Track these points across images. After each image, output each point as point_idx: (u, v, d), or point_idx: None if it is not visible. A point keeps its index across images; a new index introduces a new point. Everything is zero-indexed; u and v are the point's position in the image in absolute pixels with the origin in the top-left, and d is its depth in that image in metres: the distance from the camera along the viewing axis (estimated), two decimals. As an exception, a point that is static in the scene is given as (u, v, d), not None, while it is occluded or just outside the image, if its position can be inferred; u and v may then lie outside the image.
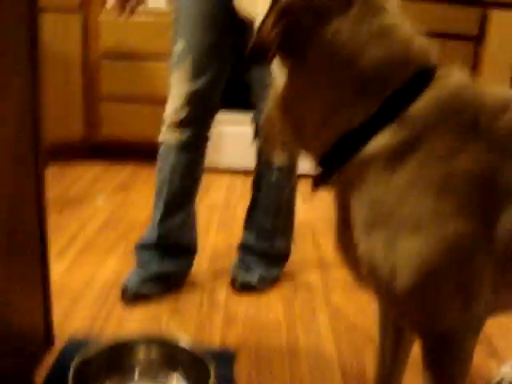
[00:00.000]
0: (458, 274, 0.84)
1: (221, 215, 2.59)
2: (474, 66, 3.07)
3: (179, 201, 1.83)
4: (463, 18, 3.02)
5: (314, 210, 2.62)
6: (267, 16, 0.88)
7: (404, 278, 0.85)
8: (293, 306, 1.82)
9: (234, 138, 3.10)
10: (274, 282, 1.94)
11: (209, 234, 2.34)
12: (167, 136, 1.79)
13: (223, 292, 1.89)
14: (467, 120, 0.86)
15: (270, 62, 0.92)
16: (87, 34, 3.04)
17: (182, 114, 1.75)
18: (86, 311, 1.71)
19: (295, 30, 0.87)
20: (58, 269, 1.89)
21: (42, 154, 1.33)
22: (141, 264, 1.85)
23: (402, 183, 0.85)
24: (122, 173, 3.11)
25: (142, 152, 3.24)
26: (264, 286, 1.91)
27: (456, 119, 0.85)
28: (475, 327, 0.90)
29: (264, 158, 1.85)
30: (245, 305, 1.82)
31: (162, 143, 1.81)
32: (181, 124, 1.76)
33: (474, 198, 0.83)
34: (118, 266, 2.01)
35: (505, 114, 0.87)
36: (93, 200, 2.68)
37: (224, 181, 3.07)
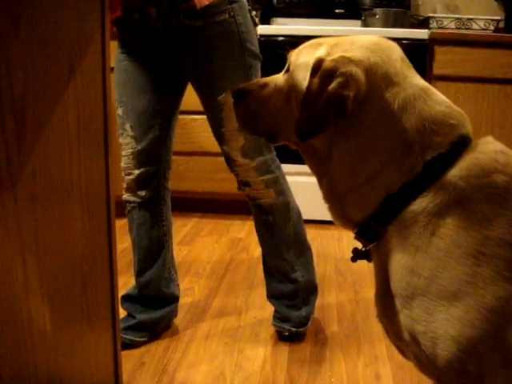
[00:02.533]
0: (501, 342, 0.83)
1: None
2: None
3: (150, 256, 1.90)
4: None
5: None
6: (321, 84, 0.90)
7: (445, 347, 0.84)
8: (356, 365, 1.81)
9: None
10: (311, 317, 1.96)
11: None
12: (127, 196, 1.87)
13: (287, 347, 1.90)
14: (503, 184, 0.87)
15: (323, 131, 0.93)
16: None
17: (134, 176, 1.83)
18: (152, 367, 1.76)
19: (358, 98, 0.90)
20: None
21: (111, 206, 1.39)
22: (126, 313, 1.92)
23: (440, 249, 0.86)
24: (187, 226, 3.20)
25: (206, 203, 3.35)
26: (304, 327, 1.93)
27: (492, 184, 0.87)
28: None
29: (254, 203, 1.86)
30: (308, 362, 1.82)
31: (125, 202, 1.89)
32: (136, 184, 1.84)
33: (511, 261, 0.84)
34: (181, 320, 2.07)
35: None
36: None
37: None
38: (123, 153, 1.83)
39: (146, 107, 1.79)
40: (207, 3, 1.63)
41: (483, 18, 3.39)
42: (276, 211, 1.85)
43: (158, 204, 1.89)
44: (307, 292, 1.96)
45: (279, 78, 1.04)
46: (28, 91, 1.05)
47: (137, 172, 1.83)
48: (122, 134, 1.82)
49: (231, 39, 1.68)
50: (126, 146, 1.82)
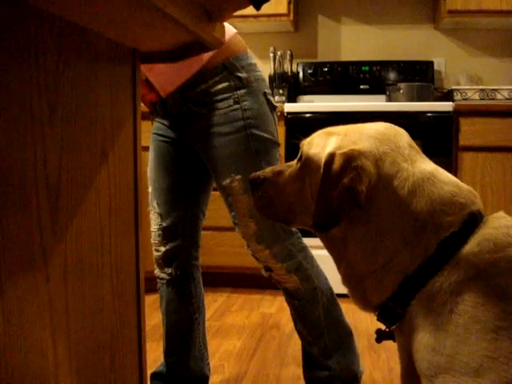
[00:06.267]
0: None
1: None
2: None
3: (179, 334, 1.87)
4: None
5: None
6: (336, 177, 0.94)
7: None
8: None
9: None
10: None
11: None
12: (157, 271, 1.89)
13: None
14: None
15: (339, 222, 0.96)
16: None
17: (161, 253, 1.85)
18: None
19: (371, 187, 0.93)
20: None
21: (141, 285, 1.40)
22: None
23: (459, 326, 0.85)
24: (217, 301, 3.18)
25: (236, 278, 3.35)
26: None
27: (506, 258, 0.87)
28: None
29: (280, 286, 1.80)
30: None
31: (156, 277, 1.90)
32: (163, 261, 1.86)
33: None
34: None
35: None
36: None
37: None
38: (151, 228, 1.87)
39: (170, 187, 1.84)
40: (171, 90, 1.71)
41: (507, 88, 3.43)
42: (302, 296, 1.77)
43: (186, 281, 1.89)
44: (345, 381, 1.79)
45: (293, 166, 1.09)
46: (62, 175, 1.09)
47: (163, 249, 1.85)
48: (151, 210, 1.87)
49: (235, 126, 1.68)
50: (153, 222, 1.87)
